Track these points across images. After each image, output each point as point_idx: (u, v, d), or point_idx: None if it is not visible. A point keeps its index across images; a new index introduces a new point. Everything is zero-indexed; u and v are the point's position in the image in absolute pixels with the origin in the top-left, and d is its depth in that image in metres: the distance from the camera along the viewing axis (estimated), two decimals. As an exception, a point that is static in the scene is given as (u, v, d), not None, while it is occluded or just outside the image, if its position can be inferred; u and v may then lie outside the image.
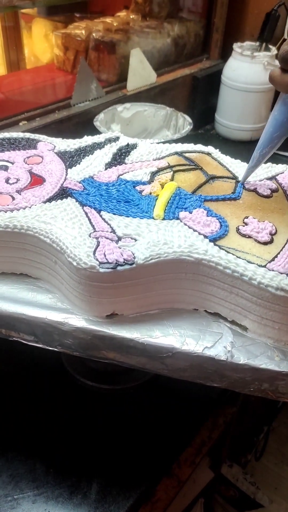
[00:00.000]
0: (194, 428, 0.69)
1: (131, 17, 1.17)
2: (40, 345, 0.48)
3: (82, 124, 0.94)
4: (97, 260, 0.44)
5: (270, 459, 1.30)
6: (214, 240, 0.47)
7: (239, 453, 1.21)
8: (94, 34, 1.04)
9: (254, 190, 0.55)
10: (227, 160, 0.60)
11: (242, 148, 1.14)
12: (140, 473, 0.60)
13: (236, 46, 1.08)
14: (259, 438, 1.25)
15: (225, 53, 1.20)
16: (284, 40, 1.18)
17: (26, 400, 0.66)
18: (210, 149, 0.61)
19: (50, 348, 0.48)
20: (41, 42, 1.27)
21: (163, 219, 0.50)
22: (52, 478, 0.57)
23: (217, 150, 0.61)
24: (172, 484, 0.72)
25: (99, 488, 0.57)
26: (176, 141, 0.85)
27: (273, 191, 0.55)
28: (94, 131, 0.89)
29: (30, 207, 0.50)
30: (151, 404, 0.67)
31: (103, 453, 0.61)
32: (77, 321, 0.46)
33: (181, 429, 0.65)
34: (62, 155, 0.59)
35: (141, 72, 1.04)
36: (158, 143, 0.63)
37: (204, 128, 1.21)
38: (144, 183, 0.55)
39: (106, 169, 0.57)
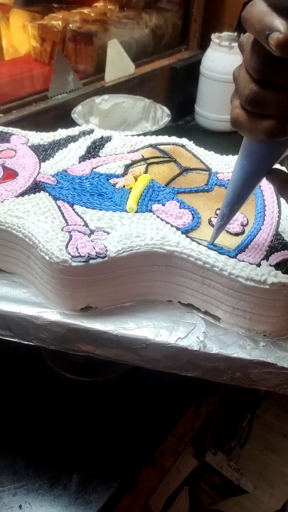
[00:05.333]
0: (174, 417, 0.69)
1: (108, 7, 1.15)
2: (15, 340, 0.48)
3: (59, 116, 0.93)
4: (69, 254, 0.44)
5: (255, 445, 1.33)
6: (186, 232, 0.47)
7: (223, 440, 1.23)
8: (71, 25, 1.03)
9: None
10: (201, 152, 0.60)
11: (222, 139, 1.15)
12: (121, 463, 0.60)
13: (214, 37, 1.08)
14: (243, 426, 1.27)
15: (204, 44, 1.19)
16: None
17: (5, 394, 0.66)
18: (184, 141, 0.61)
19: (26, 342, 0.48)
20: (19, 33, 1.25)
21: (136, 211, 0.50)
22: (32, 471, 0.58)
23: (191, 142, 0.61)
24: (155, 473, 0.73)
25: (80, 479, 0.58)
26: (155, 133, 0.85)
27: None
28: (72, 123, 0.88)
29: (2, 202, 0.49)
30: (131, 395, 0.67)
31: (84, 445, 0.61)
32: (51, 314, 0.46)
33: (161, 419, 0.66)
34: (36, 148, 0.59)
35: (119, 63, 1.03)
36: (137, 135, 0.63)
37: (184, 119, 1.21)
38: (117, 176, 0.55)
39: (80, 162, 0.57)
